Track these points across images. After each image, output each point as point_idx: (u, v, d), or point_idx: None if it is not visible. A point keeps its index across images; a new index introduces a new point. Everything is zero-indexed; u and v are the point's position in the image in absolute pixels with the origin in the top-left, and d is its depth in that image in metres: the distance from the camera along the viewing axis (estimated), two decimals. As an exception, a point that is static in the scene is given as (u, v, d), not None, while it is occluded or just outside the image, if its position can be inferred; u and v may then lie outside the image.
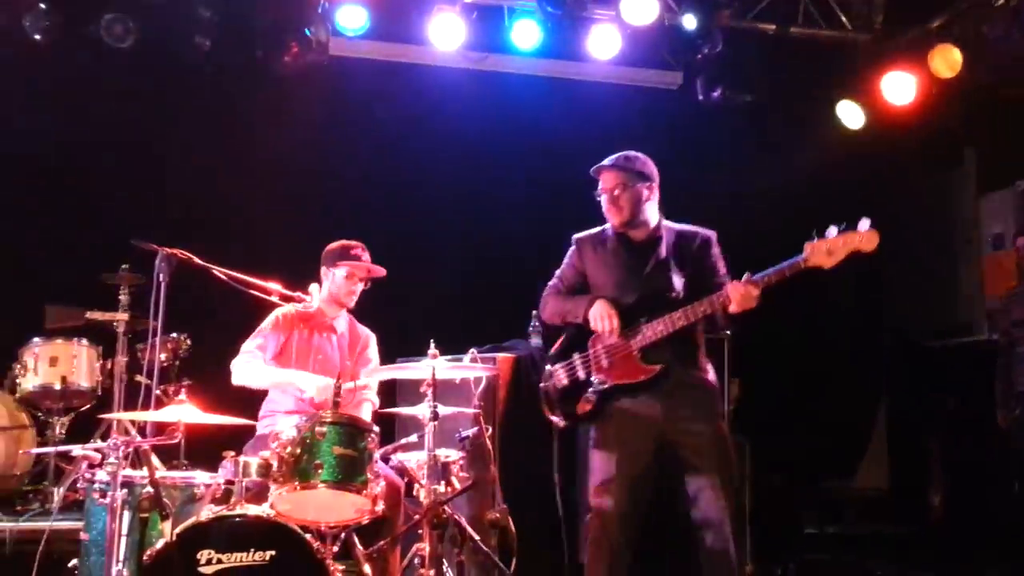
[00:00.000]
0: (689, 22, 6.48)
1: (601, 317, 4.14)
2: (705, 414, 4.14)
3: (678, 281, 4.17)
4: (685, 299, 4.10)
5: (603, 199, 4.29)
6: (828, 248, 3.87)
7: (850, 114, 7.05)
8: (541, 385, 4.30)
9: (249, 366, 4.66)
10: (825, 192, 7.31)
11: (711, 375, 4.25)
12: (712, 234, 4.32)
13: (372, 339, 5.00)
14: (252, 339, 4.75)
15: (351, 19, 6.36)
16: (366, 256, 4.86)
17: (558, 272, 4.47)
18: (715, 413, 4.21)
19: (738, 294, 3.94)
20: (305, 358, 4.78)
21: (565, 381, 4.24)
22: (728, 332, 5.13)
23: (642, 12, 6.44)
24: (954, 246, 7.86)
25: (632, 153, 4.32)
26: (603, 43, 6.68)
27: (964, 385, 7.10)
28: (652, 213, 4.30)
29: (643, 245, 4.27)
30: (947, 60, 6.53)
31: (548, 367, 4.30)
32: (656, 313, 4.09)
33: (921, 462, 7.56)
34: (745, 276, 3.98)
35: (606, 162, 4.30)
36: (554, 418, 4.27)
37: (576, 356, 4.24)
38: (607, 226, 4.35)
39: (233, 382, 4.64)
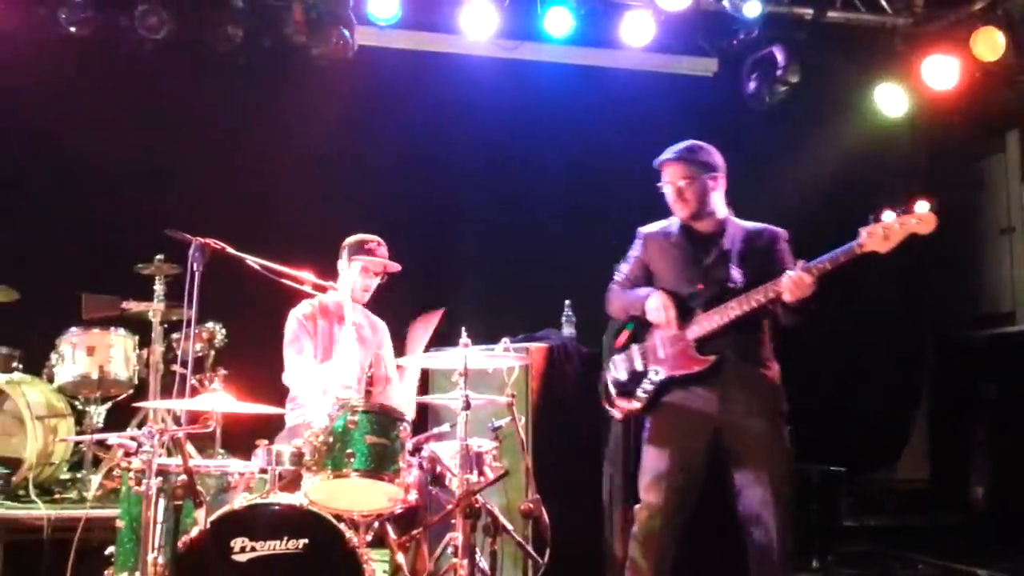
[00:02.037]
0: (752, 9, 6.32)
1: (657, 309, 4.12)
2: (760, 409, 4.08)
3: (738, 273, 4.12)
4: (744, 291, 4.05)
5: (668, 192, 4.25)
6: (884, 232, 3.83)
7: (890, 100, 6.94)
8: (602, 375, 4.32)
9: (302, 379, 4.69)
10: (864, 179, 7.22)
11: (773, 371, 4.19)
12: (782, 232, 4.27)
13: (386, 332, 4.99)
14: (289, 349, 4.77)
15: (383, 9, 6.35)
16: (382, 250, 4.84)
17: (622, 267, 4.43)
18: (771, 409, 4.11)
19: (791, 282, 3.89)
20: (328, 353, 4.79)
21: (624, 373, 4.25)
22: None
23: (677, -3, 6.37)
24: (996, 234, 7.72)
25: (696, 143, 4.27)
26: (637, 30, 6.61)
27: (1006, 375, 6.98)
28: (719, 204, 4.27)
29: (707, 237, 4.24)
30: (990, 43, 6.41)
31: (611, 358, 4.31)
32: (714, 304, 4.07)
33: (963, 452, 7.44)
34: (799, 263, 3.93)
35: (669, 155, 4.26)
36: (611, 410, 4.30)
37: (634, 347, 4.24)
38: (673, 219, 4.32)
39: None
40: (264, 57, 6.39)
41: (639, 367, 4.21)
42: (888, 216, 3.84)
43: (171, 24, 6.07)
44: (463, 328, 4.23)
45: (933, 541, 6.68)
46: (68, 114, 6.30)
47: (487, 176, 6.93)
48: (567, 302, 5.88)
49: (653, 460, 4.15)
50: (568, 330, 5.79)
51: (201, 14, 6.19)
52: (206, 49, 6.24)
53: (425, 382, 5.41)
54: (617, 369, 4.28)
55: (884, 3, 6.84)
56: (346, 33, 6.22)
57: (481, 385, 4.43)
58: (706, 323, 4.07)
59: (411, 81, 6.92)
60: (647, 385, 4.17)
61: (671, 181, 4.22)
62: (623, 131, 7.03)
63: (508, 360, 4.49)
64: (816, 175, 6.94)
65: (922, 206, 3.83)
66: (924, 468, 7.81)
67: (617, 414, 4.30)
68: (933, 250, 7.73)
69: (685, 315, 4.12)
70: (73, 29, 6.05)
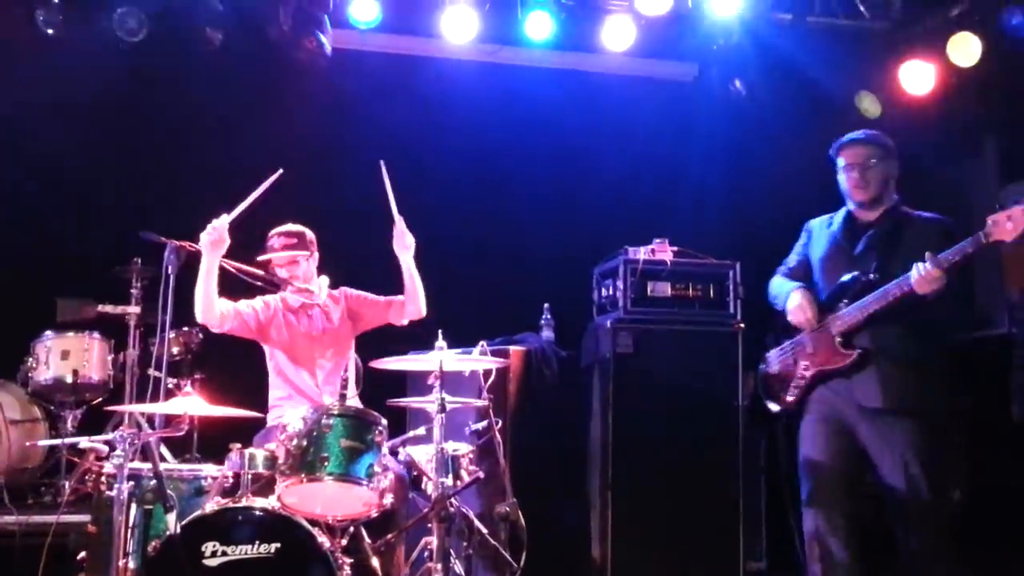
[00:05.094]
0: None
1: (797, 311, 4.20)
2: (904, 405, 4.01)
3: (885, 263, 4.06)
4: (883, 284, 4.02)
5: (848, 175, 4.21)
6: (1009, 216, 3.77)
7: (868, 105, 6.96)
8: (759, 368, 4.46)
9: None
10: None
11: (928, 364, 4.06)
12: (946, 222, 4.20)
13: (345, 290, 4.99)
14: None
15: (364, 12, 6.31)
16: (273, 241, 4.91)
17: (789, 257, 4.52)
18: (918, 406, 4.03)
19: (918, 275, 3.84)
20: (293, 355, 4.78)
21: (778, 367, 4.36)
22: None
23: (657, 2, 6.36)
24: (974, 238, 7.73)
25: (877, 131, 4.28)
26: (617, 34, 6.60)
27: (984, 379, 6.99)
28: (891, 192, 4.25)
29: (866, 226, 4.21)
30: (966, 49, 6.43)
31: (766, 354, 4.43)
32: (857, 298, 4.06)
33: (941, 454, 7.43)
34: (928, 256, 3.86)
35: (858, 135, 4.25)
36: (769, 403, 4.39)
37: (786, 342, 4.34)
38: (840, 211, 4.33)
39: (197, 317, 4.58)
40: (243, 60, 6.35)
41: (791, 362, 4.28)
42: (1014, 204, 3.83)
43: (149, 26, 6.02)
44: (440, 331, 4.23)
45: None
46: (43, 116, 6.23)
47: (466, 179, 6.91)
48: (546, 305, 5.88)
49: (804, 460, 4.20)
50: (546, 333, 5.79)
51: (180, 16, 6.14)
52: (184, 52, 6.20)
53: (403, 384, 5.41)
54: (771, 364, 4.40)
55: (862, 8, 6.85)
56: (322, 37, 6.18)
57: (458, 388, 4.42)
58: (847, 317, 4.06)
59: (392, 84, 6.88)
60: (799, 381, 4.22)
61: (856, 161, 4.17)
62: (603, 135, 7.04)
63: (484, 363, 4.48)
64: (795, 179, 6.94)
65: None
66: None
67: (775, 407, 4.36)
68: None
69: (830, 304, 4.15)
70: (50, 31, 5.99)
